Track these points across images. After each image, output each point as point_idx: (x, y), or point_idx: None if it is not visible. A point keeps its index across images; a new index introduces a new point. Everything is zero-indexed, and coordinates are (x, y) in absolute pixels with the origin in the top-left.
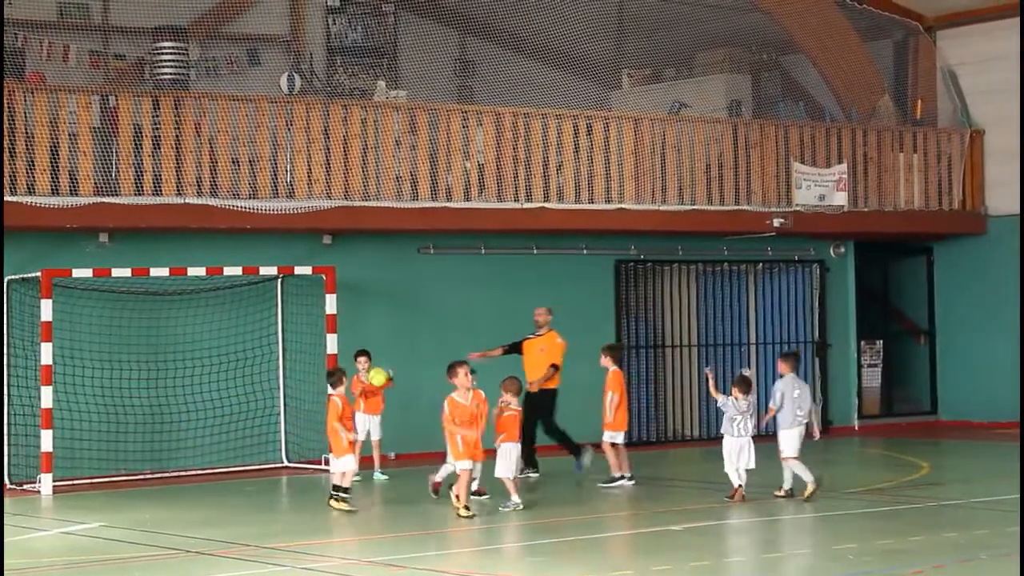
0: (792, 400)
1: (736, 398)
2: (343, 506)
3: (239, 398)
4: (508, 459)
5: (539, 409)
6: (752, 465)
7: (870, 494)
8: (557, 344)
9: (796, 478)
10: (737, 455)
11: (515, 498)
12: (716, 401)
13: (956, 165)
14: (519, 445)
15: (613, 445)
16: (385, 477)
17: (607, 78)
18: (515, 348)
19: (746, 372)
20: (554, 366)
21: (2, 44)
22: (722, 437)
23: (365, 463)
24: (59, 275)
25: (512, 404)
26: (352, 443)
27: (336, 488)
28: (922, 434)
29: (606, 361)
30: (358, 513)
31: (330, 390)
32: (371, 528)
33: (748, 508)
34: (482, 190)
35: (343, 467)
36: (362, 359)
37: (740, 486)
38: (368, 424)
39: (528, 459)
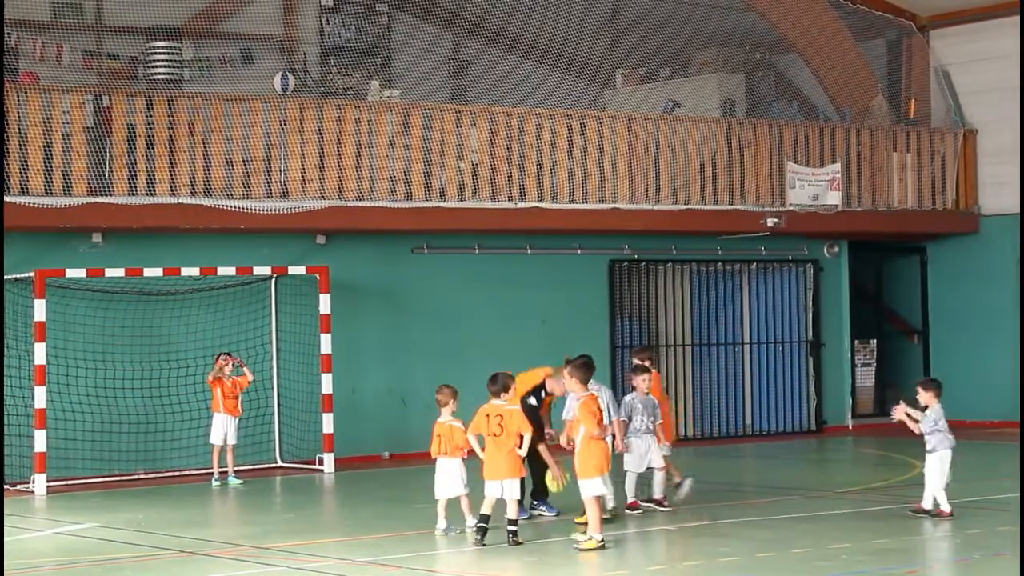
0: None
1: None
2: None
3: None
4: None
5: None
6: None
7: (864, 493)
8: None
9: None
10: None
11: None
12: (923, 425)
13: (949, 164)
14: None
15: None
16: (240, 482)
17: (601, 78)
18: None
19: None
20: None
21: (2, 45)
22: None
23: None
24: (53, 275)
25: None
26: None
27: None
28: (915, 434)
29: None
30: (349, 513)
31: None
32: (365, 528)
33: (745, 509)
34: (476, 190)
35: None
36: (223, 360)
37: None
38: (227, 427)
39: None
